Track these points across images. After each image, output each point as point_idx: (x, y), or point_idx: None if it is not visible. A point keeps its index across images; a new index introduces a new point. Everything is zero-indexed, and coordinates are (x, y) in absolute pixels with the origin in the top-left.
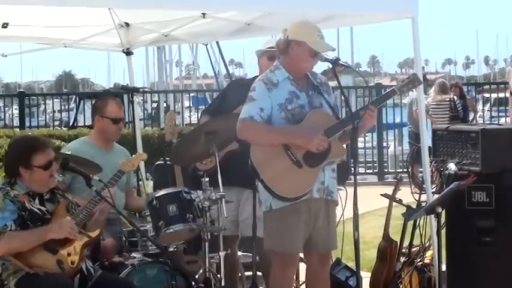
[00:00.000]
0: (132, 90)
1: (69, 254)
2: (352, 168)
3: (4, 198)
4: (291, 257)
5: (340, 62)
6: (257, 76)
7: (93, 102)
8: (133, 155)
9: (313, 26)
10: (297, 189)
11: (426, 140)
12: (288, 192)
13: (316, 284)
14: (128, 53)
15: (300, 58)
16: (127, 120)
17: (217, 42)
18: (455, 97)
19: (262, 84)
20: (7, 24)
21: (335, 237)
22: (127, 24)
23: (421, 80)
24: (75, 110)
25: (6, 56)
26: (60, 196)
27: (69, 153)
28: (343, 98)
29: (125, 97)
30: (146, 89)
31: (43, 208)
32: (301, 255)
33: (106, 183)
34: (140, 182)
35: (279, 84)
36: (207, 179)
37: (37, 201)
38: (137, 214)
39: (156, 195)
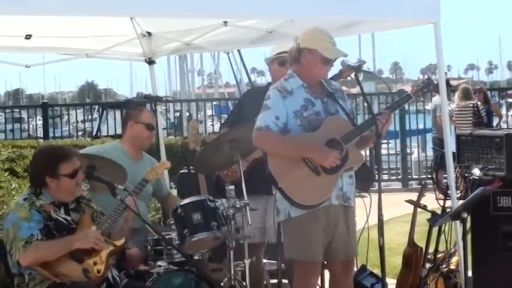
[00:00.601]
0: (155, 99)
1: (95, 263)
2: (376, 175)
3: (30, 208)
4: (313, 265)
5: (363, 68)
6: (271, 83)
7: (126, 110)
8: (157, 164)
9: (324, 33)
10: (316, 196)
11: (450, 146)
12: (307, 200)
13: None
14: (151, 62)
15: (312, 65)
16: None
17: (238, 51)
18: (478, 103)
19: (277, 92)
20: (30, 35)
21: (355, 243)
22: (149, 34)
23: (435, 83)
24: (98, 120)
25: (29, 67)
26: (85, 205)
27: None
28: (365, 104)
29: (148, 106)
30: (169, 98)
31: (68, 217)
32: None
33: (130, 191)
34: None
35: (294, 92)
36: (231, 187)
37: (62, 210)
38: (162, 223)
39: (181, 204)
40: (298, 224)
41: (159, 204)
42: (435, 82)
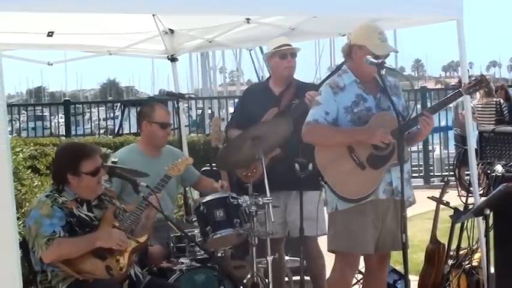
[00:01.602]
0: (178, 97)
1: (117, 260)
2: None
3: (52, 205)
4: (353, 258)
5: (385, 65)
6: (269, 78)
7: (139, 108)
8: (179, 159)
9: (374, 29)
10: (360, 190)
11: (473, 142)
12: (352, 193)
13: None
14: (173, 59)
15: (362, 62)
16: (173, 127)
17: (260, 48)
18: (501, 100)
19: (329, 88)
20: (52, 32)
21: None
22: (171, 31)
23: (488, 81)
24: (120, 118)
25: (51, 64)
26: (108, 202)
27: (116, 160)
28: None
29: (170, 104)
30: (192, 95)
31: (91, 214)
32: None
33: (153, 188)
34: (187, 188)
35: (346, 88)
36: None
37: (85, 207)
38: (184, 220)
39: (203, 201)
40: (345, 217)
41: (181, 202)
42: (488, 81)
